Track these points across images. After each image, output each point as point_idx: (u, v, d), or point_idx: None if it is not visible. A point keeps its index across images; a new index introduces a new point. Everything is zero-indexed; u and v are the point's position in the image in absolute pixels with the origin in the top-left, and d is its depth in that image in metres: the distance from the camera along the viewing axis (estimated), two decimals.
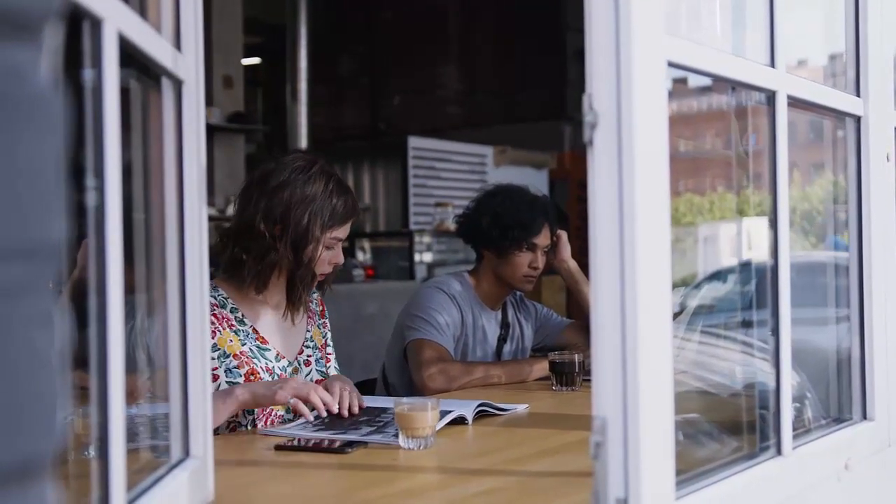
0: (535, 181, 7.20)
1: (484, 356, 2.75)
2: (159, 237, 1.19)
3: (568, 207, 7.22)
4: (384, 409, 1.97)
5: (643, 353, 1.02)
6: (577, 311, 3.12)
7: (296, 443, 1.74)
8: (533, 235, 2.70)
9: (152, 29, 1.06)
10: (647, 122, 1.04)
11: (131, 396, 1.23)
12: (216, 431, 1.78)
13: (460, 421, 1.91)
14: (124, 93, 0.97)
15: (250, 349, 2.06)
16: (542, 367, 2.54)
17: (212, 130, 6.84)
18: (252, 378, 2.03)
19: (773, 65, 1.36)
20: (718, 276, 2.71)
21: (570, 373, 2.39)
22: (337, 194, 2.08)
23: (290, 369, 2.13)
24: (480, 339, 2.75)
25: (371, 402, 2.08)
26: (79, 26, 0.86)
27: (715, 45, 1.39)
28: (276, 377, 2.08)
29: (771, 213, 1.38)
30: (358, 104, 9.88)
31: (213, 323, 2.01)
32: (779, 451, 1.35)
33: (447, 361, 2.53)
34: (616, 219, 1.03)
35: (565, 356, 2.43)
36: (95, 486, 0.87)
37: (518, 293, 2.87)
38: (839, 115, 1.66)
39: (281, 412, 2.06)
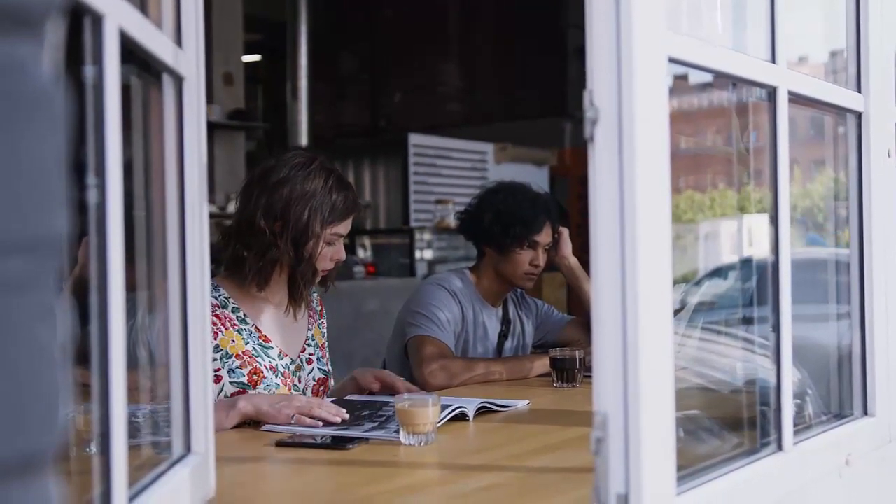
0: (536, 178, 7.20)
1: (485, 353, 2.75)
2: (160, 234, 1.19)
3: (568, 204, 7.22)
4: (386, 403, 1.97)
5: (644, 349, 1.03)
6: (578, 308, 3.12)
7: (297, 439, 1.74)
8: (534, 233, 2.70)
9: (153, 25, 1.06)
10: (647, 118, 1.04)
11: (132, 393, 1.23)
12: None
13: (461, 417, 1.91)
14: (125, 89, 0.97)
15: (253, 348, 2.06)
16: (542, 364, 2.55)
17: (212, 128, 6.84)
18: (255, 377, 2.03)
19: (773, 61, 1.36)
20: (719, 272, 2.71)
21: (571, 369, 2.40)
22: (337, 190, 2.08)
23: (292, 367, 2.13)
24: (481, 335, 2.75)
25: (373, 399, 2.09)
26: (80, 22, 0.86)
27: (716, 41, 1.39)
28: (279, 375, 2.08)
29: (772, 209, 1.38)
30: (358, 101, 9.88)
31: (214, 324, 2.01)
32: (779, 447, 1.35)
33: (448, 358, 2.53)
34: (617, 214, 1.03)
35: (566, 352, 2.43)
36: (97, 482, 0.88)
37: (519, 290, 2.87)
38: (840, 112, 1.66)
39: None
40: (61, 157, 0.52)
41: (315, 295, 2.30)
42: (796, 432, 1.40)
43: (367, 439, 1.73)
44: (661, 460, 1.06)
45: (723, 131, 1.76)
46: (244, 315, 2.09)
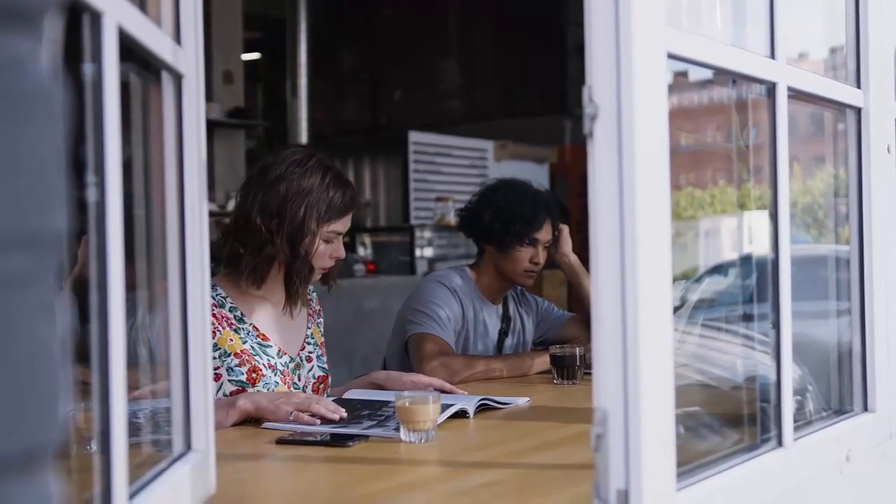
0: (536, 176, 7.19)
1: (485, 350, 2.75)
2: (160, 232, 1.19)
3: (569, 201, 7.22)
4: (386, 402, 1.97)
5: (644, 345, 1.03)
6: (578, 305, 3.12)
7: (297, 437, 1.74)
8: (534, 230, 2.70)
9: (152, 23, 1.06)
10: (647, 114, 1.04)
11: (133, 391, 1.23)
12: None
13: (461, 414, 1.91)
14: (124, 87, 0.97)
15: (251, 347, 2.06)
16: (543, 361, 2.55)
17: (212, 126, 6.84)
18: (255, 375, 2.03)
19: (773, 56, 1.36)
20: (719, 269, 2.71)
21: (571, 366, 2.40)
22: (334, 187, 2.07)
23: (292, 365, 2.13)
24: (481, 333, 2.75)
25: (373, 395, 2.09)
26: (79, 20, 0.86)
27: (716, 38, 1.39)
28: (278, 373, 2.08)
29: (771, 205, 1.38)
30: (358, 99, 9.88)
31: (212, 323, 2.01)
32: (780, 443, 1.35)
33: (449, 355, 2.53)
34: (616, 211, 1.03)
35: (566, 349, 2.43)
36: (98, 480, 0.88)
37: (519, 287, 2.87)
38: (840, 107, 1.65)
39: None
40: (60, 153, 0.52)
41: (314, 293, 2.30)
42: (796, 428, 1.40)
43: (367, 436, 1.73)
44: (661, 456, 1.06)
45: (723, 128, 1.76)
46: (242, 314, 2.09)
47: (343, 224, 2.11)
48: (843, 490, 1.54)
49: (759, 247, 1.56)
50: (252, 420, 1.90)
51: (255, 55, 9.72)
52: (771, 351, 1.40)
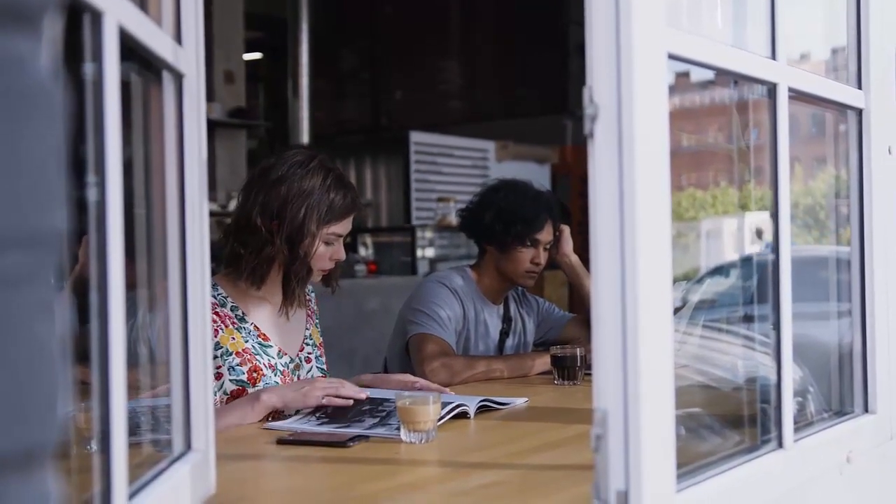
0: (537, 176, 7.20)
1: (486, 351, 2.75)
2: (161, 232, 1.19)
3: (570, 202, 7.22)
4: (385, 399, 1.97)
5: (644, 346, 1.02)
6: (580, 306, 3.12)
7: (298, 436, 1.74)
8: (536, 231, 2.70)
9: (153, 22, 1.06)
10: (647, 115, 1.04)
11: (133, 391, 1.23)
12: None
13: (462, 415, 1.91)
14: (125, 86, 0.97)
15: (252, 346, 2.07)
16: (543, 362, 2.55)
17: (213, 126, 6.84)
18: (255, 375, 2.04)
19: (774, 57, 1.35)
20: (720, 270, 2.71)
21: (572, 367, 2.40)
22: (335, 189, 2.07)
23: (291, 366, 2.14)
24: (482, 333, 2.75)
25: (374, 394, 2.09)
26: (79, 19, 0.86)
27: (717, 38, 1.39)
28: (278, 373, 2.08)
29: (772, 206, 1.38)
30: (359, 99, 9.88)
31: (214, 322, 2.02)
32: (780, 444, 1.35)
33: (449, 356, 2.53)
34: (616, 211, 1.03)
35: (567, 350, 2.43)
36: (97, 479, 0.88)
37: (520, 288, 2.87)
38: (841, 108, 1.65)
39: None
40: (60, 152, 0.52)
41: (313, 294, 2.30)
42: (797, 429, 1.39)
43: (367, 437, 1.73)
44: (661, 457, 1.06)
45: (725, 129, 1.76)
46: (243, 313, 2.09)
47: (343, 226, 2.10)
48: (844, 491, 1.54)
49: (761, 248, 1.56)
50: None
51: (256, 55, 9.72)
52: (771, 352, 1.40)
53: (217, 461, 1.27)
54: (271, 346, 2.10)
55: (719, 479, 1.21)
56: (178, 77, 1.18)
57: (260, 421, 1.88)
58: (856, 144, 1.65)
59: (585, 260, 2.40)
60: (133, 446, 1.07)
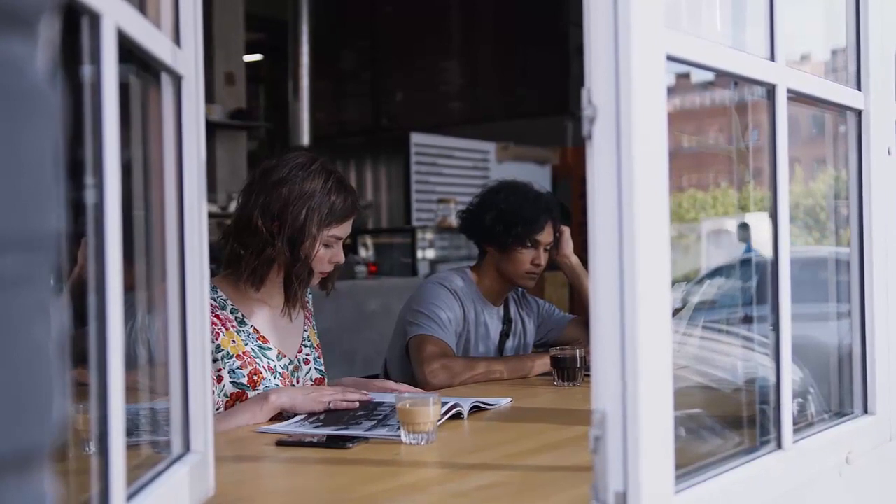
0: (538, 177, 7.20)
1: (486, 352, 2.75)
2: (159, 233, 1.19)
3: (571, 203, 7.22)
4: (381, 403, 1.98)
5: (642, 347, 1.02)
6: (580, 307, 3.12)
7: (297, 438, 1.74)
8: (536, 232, 2.70)
9: (151, 24, 1.06)
10: (646, 116, 1.04)
11: (133, 393, 1.23)
12: None
13: (455, 416, 1.92)
14: (123, 88, 0.97)
15: (252, 349, 2.07)
16: (543, 363, 2.55)
17: (214, 127, 6.85)
18: (255, 378, 2.04)
19: (773, 58, 1.35)
20: (721, 271, 2.71)
21: (572, 368, 2.40)
22: (336, 192, 2.08)
23: (291, 367, 2.14)
24: (482, 334, 2.75)
25: (377, 396, 2.09)
26: (78, 21, 0.86)
27: (716, 40, 1.39)
28: (278, 376, 2.09)
29: (771, 207, 1.38)
30: (360, 100, 9.89)
31: (214, 324, 2.02)
32: (779, 446, 1.35)
33: (449, 357, 2.53)
34: (615, 212, 1.03)
35: (566, 351, 2.43)
36: (95, 481, 0.88)
37: (520, 289, 2.87)
38: (840, 109, 1.65)
39: None
40: (56, 154, 0.52)
41: (310, 296, 2.30)
42: (797, 430, 1.39)
43: (366, 438, 1.73)
44: (660, 458, 1.06)
45: (725, 130, 1.76)
46: (242, 316, 2.09)
47: (343, 229, 2.11)
48: (843, 492, 1.54)
49: (761, 248, 1.56)
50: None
51: (256, 56, 9.73)
52: (771, 353, 1.40)
53: (216, 463, 1.27)
54: (271, 349, 2.10)
55: (718, 481, 1.21)
56: (177, 79, 1.18)
57: (256, 424, 1.88)
58: (855, 146, 1.65)
59: (586, 261, 2.40)
60: (132, 448, 1.07)
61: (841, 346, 1.74)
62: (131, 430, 1.16)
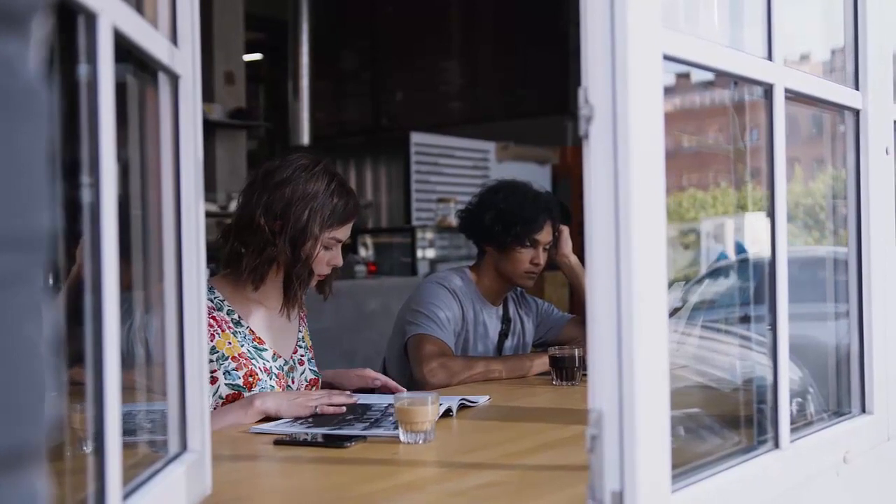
0: (538, 177, 7.20)
1: (485, 351, 2.75)
2: (156, 232, 1.19)
3: (571, 203, 7.21)
4: (368, 405, 1.99)
5: (639, 346, 1.03)
6: (580, 307, 3.11)
7: (295, 437, 1.74)
8: (535, 232, 2.70)
9: (148, 23, 1.06)
10: (642, 116, 1.04)
11: (131, 392, 1.23)
12: None
13: (446, 414, 1.93)
14: (120, 88, 0.97)
15: (248, 350, 2.07)
16: (542, 362, 2.55)
17: (214, 127, 6.85)
18: (251, 379, 2.04)
19: (770, 58, 1.35)
20: (720, 270, 2.71)
21: (570, 367, 2.40)
22: (338, 194, 2.09)
23: (286, 368, 2.14)
24: (481, 334, 2.75)
25: (364, 398, 2.10)
26: (74, 20, 0.86)
27: (713, 39, 1.39)
28: (273, 377, 2.09)
29: (768, 206, 1.38)
30: (360, 100, 9.89)
31: (210, 326, 2.02)
32: (776, 445, 1.35)
33: (448, 356, 2.53)
34: (611, 212, 1.03)
35: (565, 351, 2.43)
36: (92, 479, 0.88)
37: (519, 288, 2.87)
38: (838, 109, 1.65)
39: None
40: (47, 154, 0.52)
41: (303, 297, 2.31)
42: (794, 430, 1.39)
43: (364, 437, 1.73)
44: (657, 457, 1.06)
45: (725, 130, 1.76)
46: (239, 317, 2.09)
47: (343, 232, 2.12)
48: (841, 492, 1.54)
49: (760, 248, 1.56)
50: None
51: (256, 56, 9.73)
52: (768, 352, 1.40)
53: (213, 462, 1.27)
54: (266, 350, 2.11)
55: (715, 480, 1.21)
56: (174, 78, 1.18)
57: (241, 426, 1.89)
58: (853, 145, 1.65)
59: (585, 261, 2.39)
60: (129, 447, 1.07)
61: (839, 346, 1.74)
62: (129, 429, 1.17)
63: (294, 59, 7.99)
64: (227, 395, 2.02)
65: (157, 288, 1.22)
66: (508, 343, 2.82)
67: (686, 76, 1.33)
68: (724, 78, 1.43)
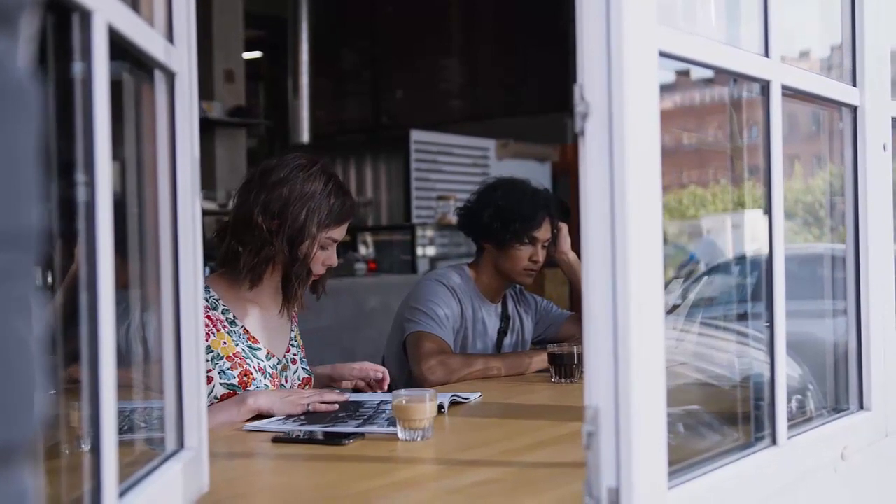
0: (538, 174, 7.20)
1: (484, 349, 2.75)
2: (153, 231, 1.19)
3: (571, 200, 7.21)
4: (360, 403, 2.00)
5: (635, 342, 1.03)
6: (579, 304, 3.12)
7: (292, 435, 1.74)
8: (533, 229, 2.70)
9: (143, 21, 1.06)
10: (638, 113, 1.04)
11: (131, 390, 1.23)
12: None
13: (438, 410, 1.94)
14: (116, 85, 0.97)
15: (243, 350, 2.07)
16: (541, 359, 2.55)
17: (213, 125, 6.84)
18: (246, 379, 2.04)
19: (767, 54, 1.35)
20: (720, 268, 2.71)
21: (569, 364, 2.40)
22: (335, 194, 2.10)
23: (279, 367, 2.15)
24: (480, 331, 2.75)
25: (356, 396, 2.11)
26: (68, 18, 0.86)
27: (710, 36, 1.39)
28: (267, 376, 2.09)
29: (765, 203, 1.38)
30: (360, 98, 9.88)
31: (206, 325, 2.02)
32: (773, 442, 1.35)
33: (446, 354, 2.53)
34: (607, 209, 1.03)
35: (564, 348, 2.43)
36: (88, 477, 0.88)
37: (518, 286, 2.87)
38: (836, 106, 1.65)
39: None
40: (36, 151, 0.52)
41: None
42: (792, 426, 1.39)
43: (362, 434, 1.73)
44: (653, 454, 1.06)
45: (725, 127, 1.76)
46: (234, 317, 2.10)
47: (340, 232, 2.13)
48: (838, 488, 1.54)
49: (759, 245, 1.56)
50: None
51: (256, 54, 9.73)
52: (765, 348, 1.40)
53: (210, 459, 1.27)
54: (260, 349, 2.11)
55: (712, 476, 1.21)
56: (170, 76, 1.18)
57: (234, 424, 1.89)
58: (850, 142, 1.65)
59: None
60: (126, 444, 1.07)
61: (837, 343, 1.74)
62: (126, 427, 1.17)
63: (294, 56, 7.99)
64: (222, 395, 2.02)
65: (155, 286, 1.22)
66: (507, 340, 2.82)
67: (686, 73, 1.33)
68: (723, 75, 1.43)
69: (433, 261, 6.81)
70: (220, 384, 2.02)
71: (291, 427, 1.81)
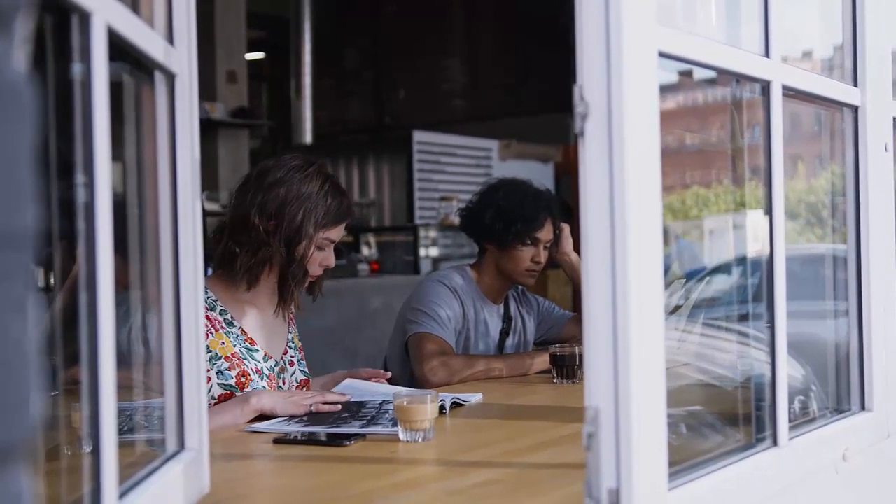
0: (541, 175, 7.19)
1: (486, 350, 2.75)
2: (153, 232, 1.19)
3: (573, 201, 7.20)
4: (363, 404, 2.00)
5: (635, 343, 1.02)
6: (581, 305, 3.11)
7: (294, 436, 1.74)
8: (535, 230, 2.69)
9: (143, 22, 1.06)
10: (638, 113, 1.04)
11: (133, 391, 1.23)
12: None
13: (439, 411, 1.94)
14: (116, 87, 0.97)
15: (240, 351, 2.08)
16: (542, 360, 2.55)
17: (216, 125, 6.85)
18: (243, 380, 2.04)
19: (767, 55, 1.35)
20: (723, 268, 2.70)
21: (571, 365, 2.40)
22: (332, 195, 2.10)
23: (277, 369, 2.15)
24: (482, 332, 2.75)
25: (358, 397, 2.11)
26: (67, 19, 0.86)
27: (711, 36, 1.38)
28: (265, 378, 2.09)
29: (766, 203, 1.37)
30: (362, 98, 9.88)
31: (205, 325, 2.02)
32: (774, 443, 1.35)
33: (448, 355, 2.53)
34: (607, 210, 1.03)
35: (565, 349, 2.43)
36: (88, 478, 0.88)
37: (520, 287, 2.87)
38: (837, 106, 1.65)
39: None
40: (32, 152, 0.52)
41: None
42: (793, 427, 1.39)
43: (364, 436, 1.73)
44: (653, 455, 1.06)
45: (727, 127, 1.75)
46: (231, 318, 2.10)
47: (337, 232, 2.13)
48: (840, 489, 1.54)
49: (761, 246, 1.55)
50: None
51: (258, 54, 9.73)
52: (767, 349, 1.40)
53: (211, 460, 1.27)
54: (258, 350, 2.11)
55: (713, 477, 1.21)
56: (171, 77, 1.18)
57: (237, 425, 1.89)
58: (852, 142, 1.65)
59: None
60: (126, 445, 1.07)
61: (839, 343, 1.74)
62: (127, 427, 1.17)
63: (296, 57, 7.99)
64: (220, 396, 2.02)
65: (156, 288, 1.22)
66: (509, 341, 2.82)
67: (689, 74, 1.33)
68: (725, 76, 1.42)
69: (436, 262, 6.81)
70: (218, 384, 2.02)
71: (294, 428, 1.80)
